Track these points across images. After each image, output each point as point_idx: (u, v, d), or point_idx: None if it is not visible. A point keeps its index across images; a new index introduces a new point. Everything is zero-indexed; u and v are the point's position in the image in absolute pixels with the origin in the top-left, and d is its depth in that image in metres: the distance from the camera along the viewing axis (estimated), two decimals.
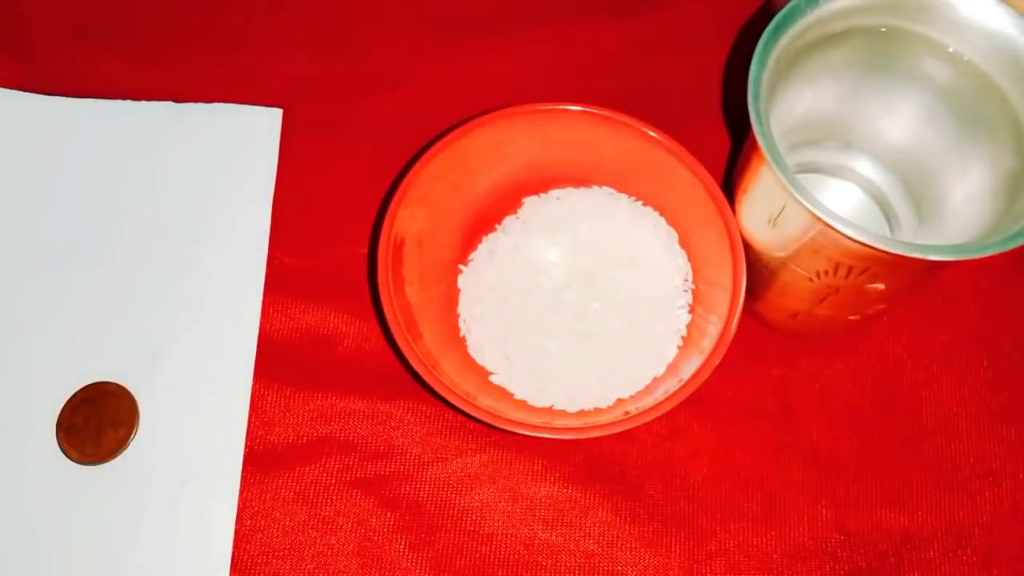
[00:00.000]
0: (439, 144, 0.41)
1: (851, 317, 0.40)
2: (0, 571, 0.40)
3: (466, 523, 0.41)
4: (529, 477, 0.42)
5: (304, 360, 0.44)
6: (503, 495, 0.41)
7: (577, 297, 0.42)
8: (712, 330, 0.39)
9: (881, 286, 0.35)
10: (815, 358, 0.43)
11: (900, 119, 0.40)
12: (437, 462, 0.42)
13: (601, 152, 0.43)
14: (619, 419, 0.37)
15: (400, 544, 0.41)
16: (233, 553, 0.40)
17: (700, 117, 0.48)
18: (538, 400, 0.41)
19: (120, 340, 0.44)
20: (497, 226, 0.45)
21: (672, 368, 0.41)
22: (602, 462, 0.42)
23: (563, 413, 0.41)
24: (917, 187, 0.42)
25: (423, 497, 0.41)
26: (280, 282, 0.45)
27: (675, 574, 0.40)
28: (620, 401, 0.41)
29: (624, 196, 0.44)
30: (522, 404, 0.41)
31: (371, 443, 0.42)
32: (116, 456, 0.42)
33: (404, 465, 0.42)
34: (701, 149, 0.41)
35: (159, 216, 0.46)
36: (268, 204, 0.46)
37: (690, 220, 0.42)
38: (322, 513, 0.41)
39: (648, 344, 0.42)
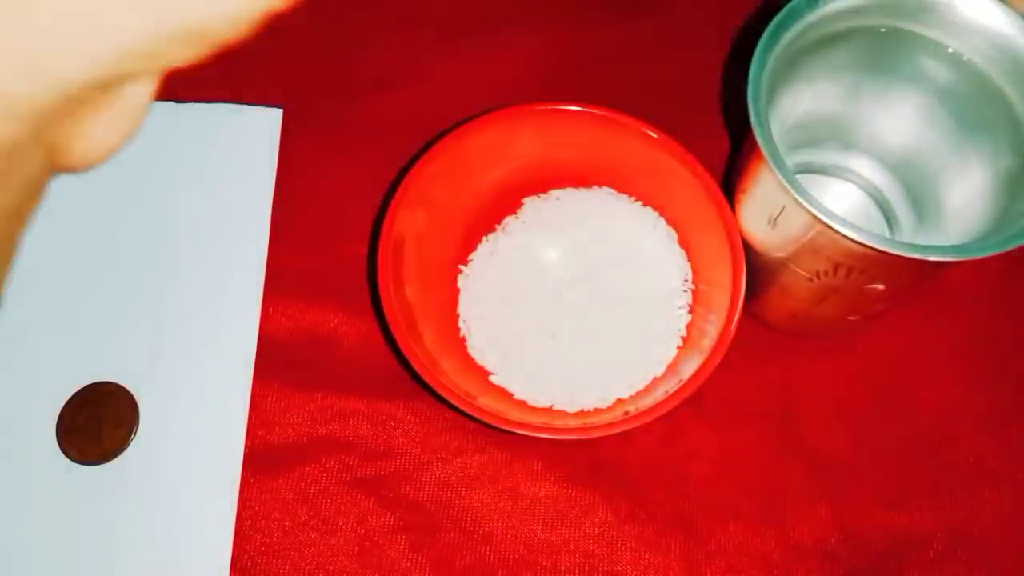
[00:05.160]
0: (439, 144, 0.41)
1: (851, 317, 0.40)
2: (0, 571, 0.40)
3: (466, 523, 0.41)
4: (529, 477, 0.42)
5: (304, 360, 0.44)
6: (503, 495, 0.41)
7: (577, 297, 0.42)
8: (712, 330, 0.39)
9: (881, 286, 0.35)
10: (815, 358, 0.43)
11: (900, 120, 0.40)
12: (437, 462, 0.42)
13: (601, 152, 0.43)
14: (619, 419, 0.37)
15: (400, 544, 0.41)
16: (233, 553, 0.40)
17: (700, 117, 0.48)
18: (538, 400, 0.41)
19: (120, 340, 0.44)
20: (497, 226, 0.45)
21: (672, 368, 0.41)
22: (602, 462, 0.42)
23: (563, 413, 0.41)
24: (917, 187, 0.42)
25: (423, 497, 0.41)
26: (280, 282, 0.45)
27: (675, 574, 0.40)
28: (620, 401, 0.41)
29: (624, 196, 0.44)
30: (522, 404, 0.41)
31: (371, 443, 0.42)
32: (116, 456, 0.42)
33: (404, 465, 0.42)
34: (701, 149, 0.41)
35: (159, 216, 0.46)
36: (268, 204, 0.46)
37: (690, 220, 0.42)
38: (322, 513, 0.41)
39: (648, 344, 0.42)
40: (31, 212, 0.16)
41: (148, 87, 0.16)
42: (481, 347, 0.42)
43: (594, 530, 0.41)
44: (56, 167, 0.16)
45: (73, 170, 0.16)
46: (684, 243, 0.43)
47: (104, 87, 0.15)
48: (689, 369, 0.38)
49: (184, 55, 0.15)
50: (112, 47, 0.14)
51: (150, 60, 0.15)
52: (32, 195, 0.16)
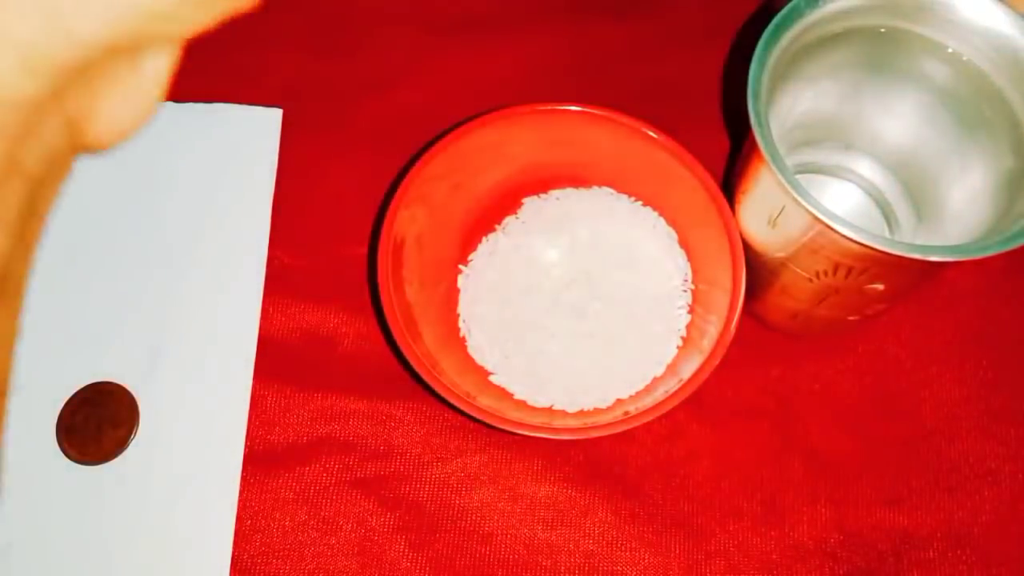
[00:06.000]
0: (439, 144, 0.41)
1: (851, 317, 0.40)
2: (0, 571, 0.40)
3: (466, 523, 0.41)
4: (529, 477, 0.42)
5: (304, 360, 0.44)
6: (503, 495, 0.41)
7: (577, 297, 0.42)
8: (712, 330, 0.39)
9: (881, 286, 0.35)
10: (815, 358, 0.43)
11: (899, 119, 0.40)
12: (437, 462, 0.42)
13: (601, 152, 0.43)
14: (619, 419, 0.37)
15: (400, 544, 0.41)
16: (233, 553, 0.40)
17: (700, 117, 0.48)
18: (538, 400, 0.41)
19: (120, 340, 0.44)
20: (497, 226, 0.45)
21: (672, 368, 0.41)
22: (602, 462, 0.42)
23: (563, 413, 0.41)
24: (916, 187, 0.42)
25: (423, 497, 0.41)
26: (280, 282, 0.45)
27: (675, 574, 0.40)
28: (620, 401, 0.41)
29: (624, 196, 0.44)
30: (522, 404, 0.41)
31: (371, 443, 0.42)
32: (116, 456, 0.42)
33: (404, 465, 0.42)
34: (701, 149, 0.41)
35: (159, 216, 0.46)
36: (268, 204, 0.46)
37: (690, 220, 0.42)
38: (322, 513, 0.41)
39: (648, 344, 0.42)
40: (55, 191, 0.16)
41: (164, 61, 0.17)
42: (481, 347, 0.42)
43: (594, 530, 0.41)
44: (75, 144, 0.16)
45: (91, 149, 0.17)
46: (684, 243, 0.43)
47: (122, 53, 0.15)
48: (689, 369, 0.38)
49: (197, 19, 0.16)
50: (130, 6, 0.15)
51: (165, 23, 0.15)
52: (55, 170, 0.16)
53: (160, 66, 0.17)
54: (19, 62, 0.14)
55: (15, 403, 0.45)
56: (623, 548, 0.41)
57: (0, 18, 0.13)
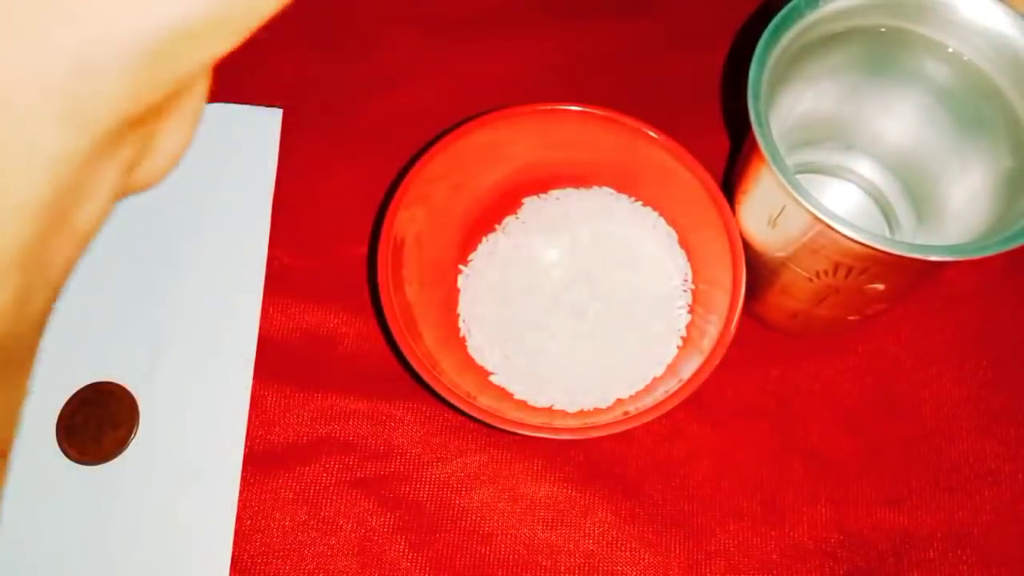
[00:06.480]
0: (439, 144, 0.41)
1: (851, 317, 0.40)
2: (0, 571, 0.40)
3: (466, 523, 0.41)
4: (529, 477, 0.42)
5: (304, 360, 0.44)
6: (503, 495, 0.41)
7: (577, 297, 0.42)
8: (712, 330, 0.39)
9: (881, 286, 0.35)
10: (815, 358, 0.43)
11: (900, 119, 0.40)
12: (437, 462, 0.42)
13: (601, 152, 0.43)
14: (619, 419, 0.37)
15: (400, 544, 0.41)
16: (233, 553, 0.40)
17: (700, 117, 0.48)
18: (538, 400, 0.41)
19: (120, 340, 0.44)
20: (497, 226, 0.45)
21: (672, 368, 0.41)
22: (602, 462, 0.42)
23: (563, 413, 0.41)
24: (917, 187, 0.42)
25: (423, 497, 0.41)
26: (280, 282, 0.45)
27: (675, 574, 0.40)
28: (620, 401, 0.41)
29: (624, 196, 0.44)
30: (522, 404, 0.41)
31: (371, 443, 0.42)
32: (116, 456, 0.42)
33: (404, 465, 0.42)
34: (701, 149, 0.41)
35: (159, 216, 0.46)
36: (268, 204, 0.46)
37: (690, 220, 0.42)
38: (322, 513, 0.41)
39: (648, 344, 0.42)
40: (94, 237, 0.15)
41: (202, 88, 0.16)
42: (481, 347, 0.42)
43: (594, 530, 0.41)
44: (128, 187, 0.15)
45: (141, 188, 0.16)
46: (684, 243, 0.43)
47: (166, 90, 0.14)
48: (689, 369, 0.38)
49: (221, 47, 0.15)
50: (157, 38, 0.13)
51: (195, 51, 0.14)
52: (102, 220, 0.15)
53: (199, 90, 0.16)
54: (60, 115, 0.13)
55: None
56: (623, 548, 0.41)
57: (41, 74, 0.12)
